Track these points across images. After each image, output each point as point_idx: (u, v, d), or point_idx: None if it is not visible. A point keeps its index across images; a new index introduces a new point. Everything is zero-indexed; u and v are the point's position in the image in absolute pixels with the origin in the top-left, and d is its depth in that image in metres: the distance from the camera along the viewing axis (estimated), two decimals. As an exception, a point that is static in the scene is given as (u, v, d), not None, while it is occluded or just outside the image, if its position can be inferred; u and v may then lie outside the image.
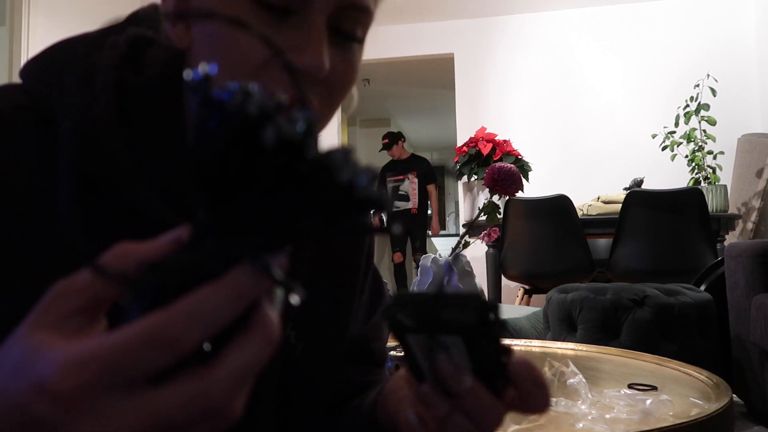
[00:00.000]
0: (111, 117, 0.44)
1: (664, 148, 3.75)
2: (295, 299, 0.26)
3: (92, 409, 0.24)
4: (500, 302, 3.50)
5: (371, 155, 8.73)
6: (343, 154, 0.25)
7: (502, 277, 3.51)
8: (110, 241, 0.43)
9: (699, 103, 3.70)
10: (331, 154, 0.24)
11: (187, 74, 0.24)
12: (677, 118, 3.76)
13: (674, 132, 3.74)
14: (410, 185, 5.70)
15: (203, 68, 0.24)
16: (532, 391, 0.38)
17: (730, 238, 3.53)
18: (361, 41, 0.47)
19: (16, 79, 0.51)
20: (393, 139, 5.77)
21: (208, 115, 0.23)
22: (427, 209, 5.71)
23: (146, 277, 0.25)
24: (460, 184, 4.17)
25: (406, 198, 5.67)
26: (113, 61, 0.46)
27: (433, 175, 5.68)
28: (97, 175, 0.44)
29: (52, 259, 0.42)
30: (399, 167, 5.73)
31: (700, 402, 0.96)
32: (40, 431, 0.24)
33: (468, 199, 3.78)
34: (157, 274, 0.25)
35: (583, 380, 0.97)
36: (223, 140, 0.23)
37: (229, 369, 0.25)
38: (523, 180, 3.48)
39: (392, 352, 1.17)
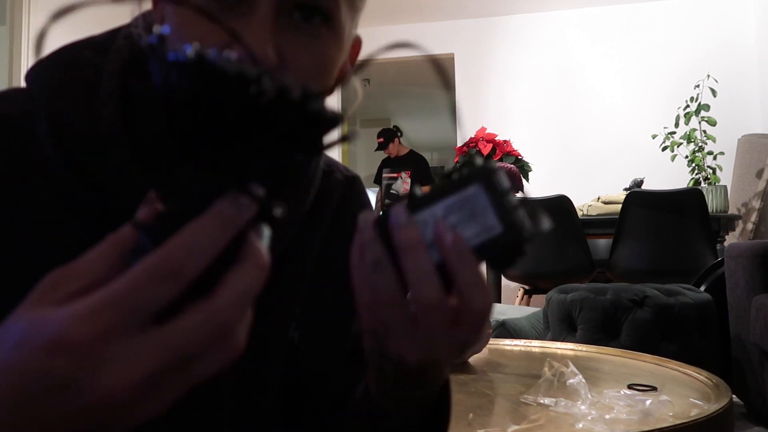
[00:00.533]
0: (116, 123, 0.44)
1: (664, 149, 3.75)
2: (278, 212, 0.28)
3: (111, 355, 0.24)
4: (500, 302, 3.50)
5: (371, 155, 8.74)
6: (290, 80, 0.27)
7: (502, 277, 3.50)
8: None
9: (699, 103, 3.70)
10: (281, 82, 0.26)
11: (145, 40, 0.26)
12: (677, 118, 3.76)
13: (674, 132, 3.74)
14: (402, 184, 5.66)
15: (157, 30, 0.26)
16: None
17: (730, 239, 3.53)
18: (328, 20, 0.45)
19: (17, 78, 0.51)
20: (388, 136, 5.63)
21: (168, 72, 0.25)
22: None
23: (148, 226, 0.28)
24: (460, 184, 4.16)
25: (397, 197, 5.63)
26: (118, 66, 0.46)
27: (428, 176, 5.61)
28: (102, 180, 0.44)
29: (52, 263, 0.41)
30: (395, 164, 5.68)
31: (699, 402, 0.96)
32: (61, 391, 0.24)
33: (468, 200, 3.78)
34: (156, 224, 0.27)
35: (583, 380, 0.97)
36: (185, 91, 0.25)
37: (229, 295, 0.26)
38: (523, 180, 3.48)
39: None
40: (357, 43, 0.53)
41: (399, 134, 5.75)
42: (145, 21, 0.50)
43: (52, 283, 0.27)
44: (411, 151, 5.77)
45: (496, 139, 3.80)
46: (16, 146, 0.43)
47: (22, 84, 0.49)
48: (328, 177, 0.58)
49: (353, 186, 0.60)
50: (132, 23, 0.49)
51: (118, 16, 0.51)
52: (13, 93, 0.47)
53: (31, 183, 0.43)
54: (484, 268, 0.37)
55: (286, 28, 0.42)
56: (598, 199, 3.56)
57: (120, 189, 0.44)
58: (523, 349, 1.52)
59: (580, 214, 3.37)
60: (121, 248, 0.28)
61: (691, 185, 3.62)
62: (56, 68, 0.47)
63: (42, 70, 0.47)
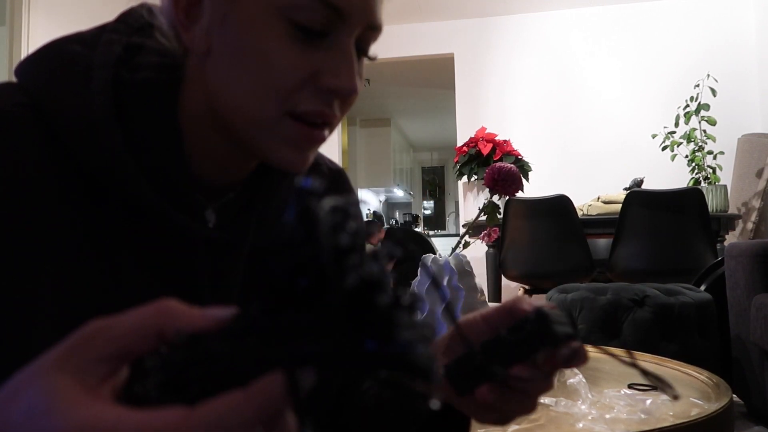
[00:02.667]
0: (109, 113, 0.45)
1: (664, 148, 3.75)
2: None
3: None
4: (500, 302, 3.50)
5: (371, 155, 8.74)
6: (413, 319, 0.24)
7: (502, 277, 3.51)
8: (112, 237, 0.45)
9: (699, 103, 3.70)
10: (401, 311, 0.24)
11: (299, 180, 0.25)
12: (677, 118, 3.76)
13: (674, 132, 3.74)
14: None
15: (308, 182, 0.25)
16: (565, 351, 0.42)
17: (730, 238, 3.53)
18: (366, 54, 0.50)
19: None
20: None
21: (300, 224, 0.24)
22: None
23: (181, 349, 0.25)
24: (460, 184, 4.16)
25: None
26: (110, 59, 0.47)
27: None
28: (97, 170, 0.45)
29: (53, 252, 0.43)
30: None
31: (700, 402, 0.96)
32: None
33: (468, 199, 3.78)
34: (192, 350, 0.25)
35: (583, 380, 0.97)
36: (306, 255, 0.24)
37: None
38: (523, 180, 3.48)
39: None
40: None
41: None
42: (131, 17, 0.50)
43: (85, 341, 0.26)
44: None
45: (496, 139, 3.80)
46: (10, 137, 0.43)
47: None
48: (316, 169, 0.61)
49: (339, 178, 0.64)
50: (119, 18, 0.50)
51: (115, 15, 0.52)
52: (4, 87, 0.47)
53: (28, 173, 0.43)
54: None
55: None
56: (598, 198, 3.56)
57: (113, 176, 0.45)
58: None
59: (580, 213, 3.37)
60: (162, 324, 0.27)
61: (691, 185, 3.62)
62: (47, 61, 0.47)
63: (32, 63, 0.48)
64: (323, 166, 0.62)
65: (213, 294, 0.51)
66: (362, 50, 0.48)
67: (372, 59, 0.49)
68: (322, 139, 0.48)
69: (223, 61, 0.45)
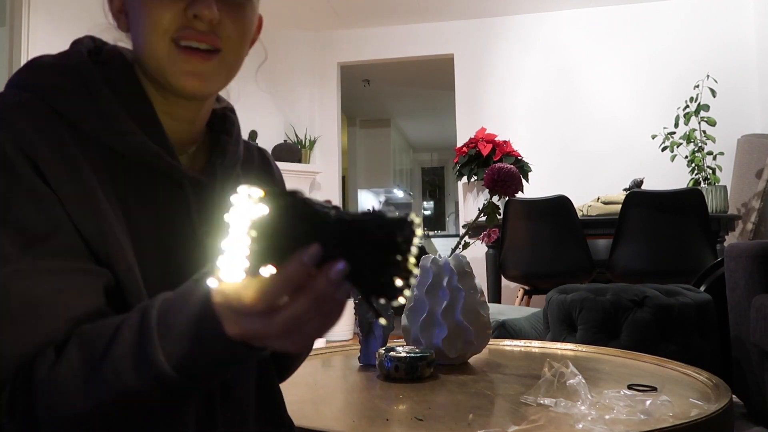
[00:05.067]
0: (101, 82, 0.62)
1: (663, 149, 3.75)
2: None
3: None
4: (500, 302, 3.50)
5: (371, 156, 8.74)
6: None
7: (502, 277, 3.51)
8: (118, 183, 0.62)
9: (699, 103, 3.70)
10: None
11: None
12: (677, 118, 3.76)
13: (674, 133, 3.75)
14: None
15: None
16: None
17: (730, 239, 3.53)
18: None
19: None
20: None
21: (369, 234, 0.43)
22: None
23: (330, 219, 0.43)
24: (460, 184, 4.17)
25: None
26: (83, 52, 0.65)
27: None
28: (101, 131, 0.61)
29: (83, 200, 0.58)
30: None
31: (699, 403, 0.96)
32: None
33: (468, 200, 3.78)
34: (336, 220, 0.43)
35: (583, 381, 0.97)
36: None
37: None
38: (523, 180, 3.48)
39: (392, 353, 1.17)
40: (260, 19, 0.73)
41: None
42: (81, 41, 0.67)
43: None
44: None
45: (496, 139, 3.80)
46: (42, 121, 0.58)
47: None
48: (249, 149, 0.81)
49: (265, 155, 0.85)
50: (73, 45, 0.66)
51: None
52: (4, 92, 0.61)
53: (61, 144, 0.58)
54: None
55: (221, 1, 0.63)
56: (598, 199, 3.56)
57: (115, 133, 0.62)
58: (523, 349, 1.53)
59: (579, 214, 3.37)
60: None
61: (690, 185, 3.62)
62: (31, 70, 0.63)
63: (19, 75, 0.62)
64: (253, 148, 0.83)
65: (201, 223, 0.67)
66: None
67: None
68: (214, 65, 0.64)
69: (132, 27, 0.65)
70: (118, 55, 0.66)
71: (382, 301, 0.43)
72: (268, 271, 0.42)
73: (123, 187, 0.61)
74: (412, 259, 0.42)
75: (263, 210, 0.42)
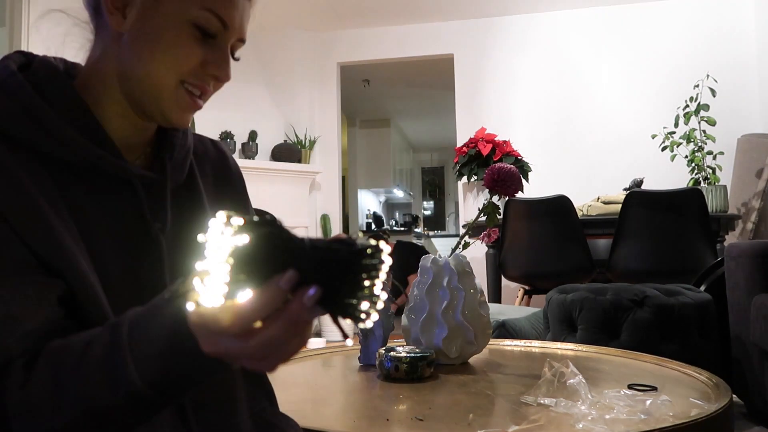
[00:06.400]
0: (34, 97, 0.62)
1: (663, 149, 3.75)
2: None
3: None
4: (500, 302, 3.50)
5: (371, 156, 8.74)
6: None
7: (502, 277, 3.51)
8: (68, 193, 0.63)
9: (699, 103, 3.70)
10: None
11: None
12: (677, 118, 3.76)
13: (674, 132, 3.74)
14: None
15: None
16: None
17: (730, 239, 3.53)
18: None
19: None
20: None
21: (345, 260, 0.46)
22: None
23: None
24: (460, 184, 4.16)
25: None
26: (12, 65, 0.65)
27: None
28: (41, 143, 0.61)
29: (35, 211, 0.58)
30: None
31: (699, 402, 0.96)
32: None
33: (468, 200, 3.78)
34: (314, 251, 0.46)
35: (583, 381, 0.97)
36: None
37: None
38: (523, 180, 3.48)
39: (392, 353, 1.17)
40: None
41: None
42: (10, 57, 0.67)
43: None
44: None
45: (496, 139, 3.80)
46: None
47: None
48: (202, 141, 0.83)
49: (221, 148, 0.86)
50: (12, 56, 0.67)
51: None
52: None
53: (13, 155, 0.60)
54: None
55: None
56: (598, 199, 3.56)
57: (58, 142, 0.62)
58: (523, 349, 1.53)
59: (580, 214, 3.37)
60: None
61: (690, 185, 3.62)
62: None
63: None
64: (206, 140, 0.85)
65: (155, 219, 0.68)
66: (233, 53, 0.70)
67: (236, 59, 0.71)
68: (200, 107, 0.69)
69: (139, 42, 0.64)
70: (48, 65, 0.67)
71: (349, 322, 0.46)
72: (246, 295, 0.44)
73: (72, 194, 0.62)
74: (379, 285, 0.45)
75: (244, 239, 0.44)
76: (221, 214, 0.44)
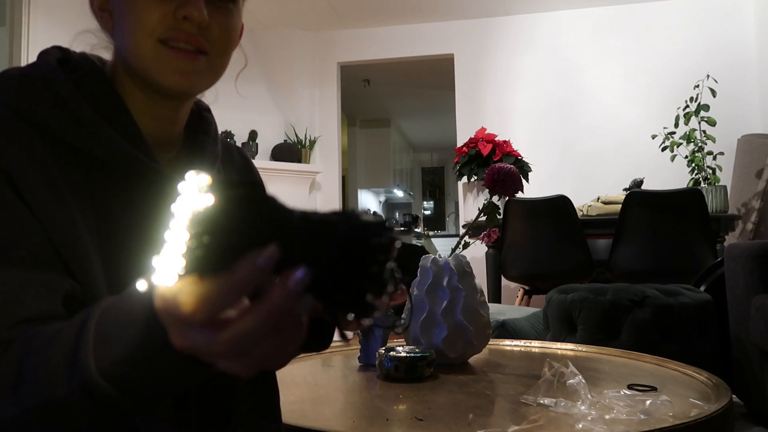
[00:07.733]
0: (68, 84, 0.62)
1: (663, 149, 3.75)
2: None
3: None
4: (500, 302, 3.50)
5: (371, 156, 8.74)
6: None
7: (502, 277, 3.51)
8: (96, 189, 0.63)
9: (699, 103, 3.70)
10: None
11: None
12: (677, 118, 3.76)
13: (674, 133, 3.74)
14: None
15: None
16: None
17: (730, 239, 3.53)
18: (234, 2, 0.68)
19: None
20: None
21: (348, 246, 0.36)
22: None
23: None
24: (460, 184, 4.17)
25: None
26: (52, 61, 0.65)
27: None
28: (76, 138, 0.61)
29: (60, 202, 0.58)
30: None
31: (699, 402, 0.96)
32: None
33: (468, 200, 3.78)
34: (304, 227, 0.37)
35: (583, 381, 0.97)
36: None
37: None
38: (523, 180, 3.48)
39: (392, 353, 1.17)
40: (242, 26, 0.73)
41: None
42: (60, 51, 0.68)
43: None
44: None
45: (496, 139, 3.80)
46: (9, 131, 0.59)
47: None
48: (228, 148, 0.83)
49: (245, 156, 0.86)
50: (51, 51, 0.67)
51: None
52: None
53: (31, 156, 0.59)
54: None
55: (210, 5, 0.65)
56: (598, 199, 3.56)
57: (91, 139, 0.62)
58: (523, 349, 1.53)
59: (580, 214, 3.37)
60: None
61: (690, 185, 3.62)
62: (10, 80, 0.64)
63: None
64: (232, 147, 0.85)
65: None
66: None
67: (232, 2, 0.67)
68: (198, 61, 0.65)
69: (118, 25, 0.65)
70: (88, 62, 0.67)
71: (350, 317, 0.36)
72: (211, 274, 0.35)
73: (102, 193, 0.62)
74: (388, 272, 0.36)
75: (208, 200, 0.35)
76: (191, 174, 0.36)
